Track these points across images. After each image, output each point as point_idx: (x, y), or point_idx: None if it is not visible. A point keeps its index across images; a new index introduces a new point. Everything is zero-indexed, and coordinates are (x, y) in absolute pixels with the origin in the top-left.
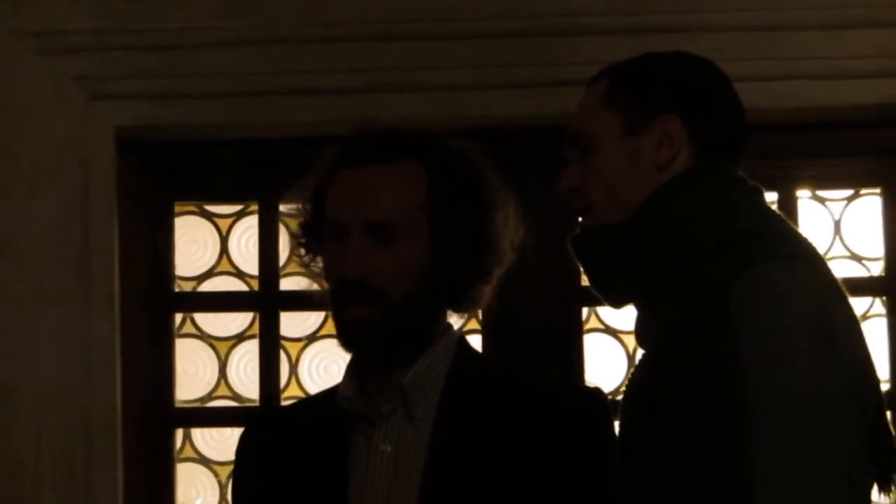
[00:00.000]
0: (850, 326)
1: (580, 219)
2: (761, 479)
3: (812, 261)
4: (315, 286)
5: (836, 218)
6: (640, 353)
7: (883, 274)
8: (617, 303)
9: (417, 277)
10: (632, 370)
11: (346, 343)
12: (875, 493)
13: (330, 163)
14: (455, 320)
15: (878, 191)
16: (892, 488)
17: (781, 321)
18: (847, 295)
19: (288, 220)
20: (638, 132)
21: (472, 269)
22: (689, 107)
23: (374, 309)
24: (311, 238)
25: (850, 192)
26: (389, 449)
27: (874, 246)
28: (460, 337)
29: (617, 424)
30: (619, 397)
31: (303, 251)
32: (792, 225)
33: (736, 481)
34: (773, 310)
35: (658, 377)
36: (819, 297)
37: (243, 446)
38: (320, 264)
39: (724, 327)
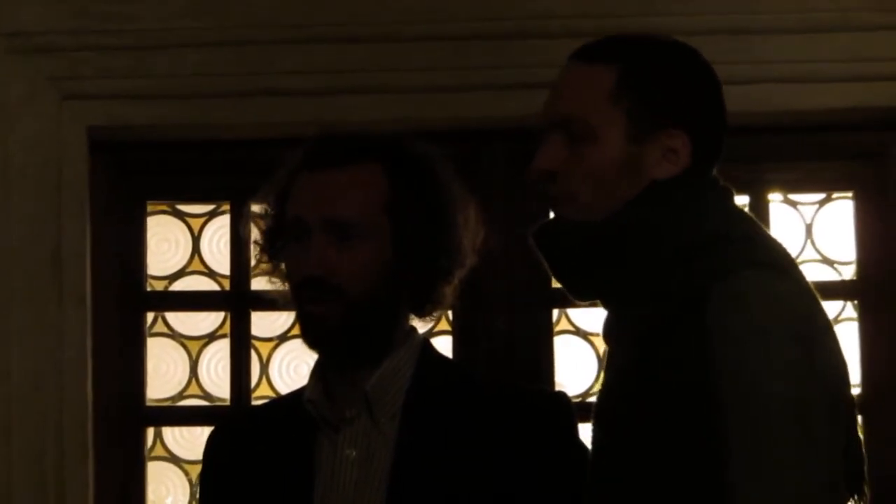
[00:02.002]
0: (825, 333)
1: (552, 206)
2: (737, 488)
3: (786, 267)
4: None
5: (808, 222)
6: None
7: (855, 278)
8: (582, 298)
9: (378, 276)
10: (602, 373)
11: (308, 341)
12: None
13: (291, 167)
14: (420, 325)
15: (849, 195)
16: (863, 497)
17: (757, 329)
18: (820, 301)
19: (254, 224)
20: (643, 140)
21: (433, 269)
22: (698, 124)
23: (334, 306)
24: (274, 242)
25: (821, 195)
26: (354, 453)
27: (846, 250)
28: (424, 340)
29: (589, 429)
30: (588, 399)
31: (266, 257)
32: (764, 228)
33: (712, 489)
34: (748, 318)
35: (633, 384)
36: (794, 304)
37: (211, 448)
38: (285, 270)
39: (699, 336)
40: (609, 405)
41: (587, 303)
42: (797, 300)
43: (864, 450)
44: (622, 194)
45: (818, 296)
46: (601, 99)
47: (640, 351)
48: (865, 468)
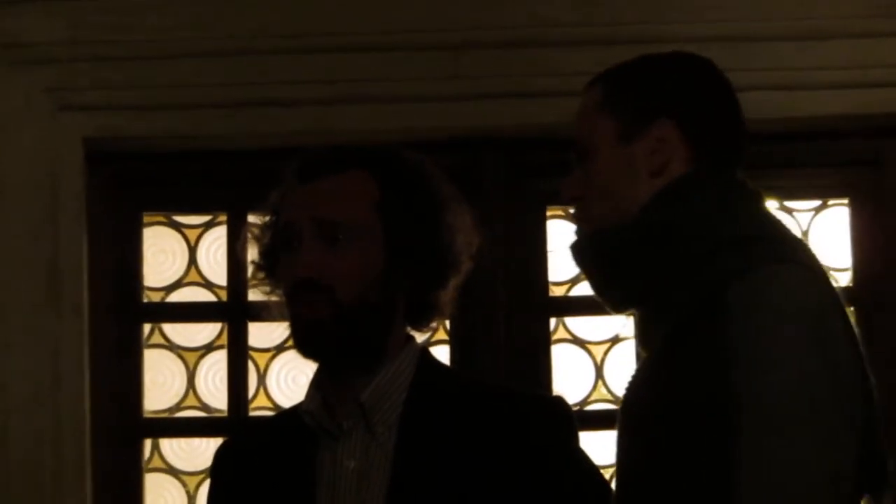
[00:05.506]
0: (846, 333)
1: (576, 227)
2: (745, 485)
3: (810, 265)
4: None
5: (804, 228)
6: (607, 363)
7: (851, 284)
8: (618, 307)
9: (370, 280)
10: (600, 381)
11: (299, 345)
12: None
13: (283, 185)
14: (418, 336)
15: (846, 201)
16: (879, 492)
17: (775, 326)
18: (843, 300)
19: (250, 243)
20: (633, 139)
21: (426, 273)
22: (684, 110)
23: (326, 308)
24: (268, 257)
25: (818, 202)
26: (353, 464)
27: (842, 256)
28: (423, 348)
29: (594, 434)
30: (587, 408)
31: (262, 274)
32: (790, 230)
33: (724, 488)
34: (768, 314)
35: (655, 382)
36: (815, 302)
37: (217, 463)
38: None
39: (720, 332)
40: (634, 407)
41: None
42: (817, 297)
43: (885, 448)
44: (634, 199)
45: (842, 296)
46: (592, 113)
47: (663, 351)
48: (889, 463)
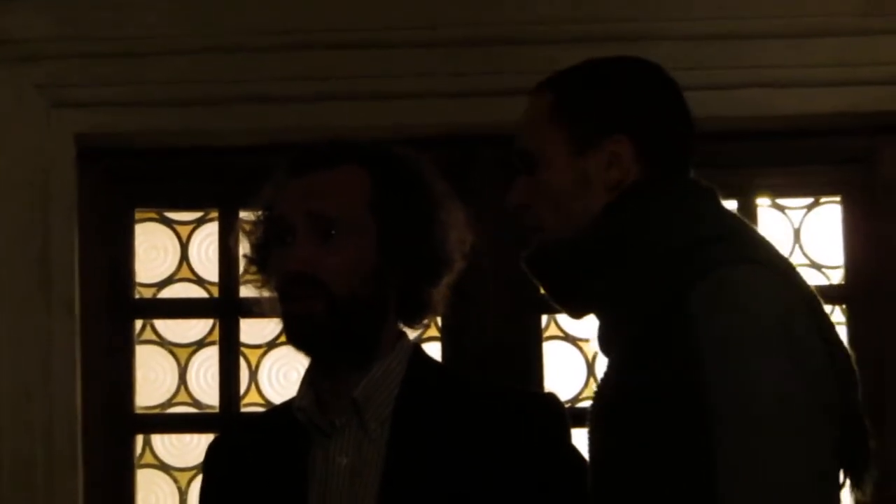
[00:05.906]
0: (813, 328)
1: (529, 237)
2: (727, 489)
3: (771, 263)
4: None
5: (796, 226)
6: (599, 360)
7: (843, 282)
8: (577, 314)
9: (363, 276)
10: (591, 378)
11: (291, 339)
12: (846, 492)
13: (277, 179)
14: (410, 333)
15: (837, 199)
16: (865, 485)
17: (741, 326)
18: (815, 294)
19: (243, 237)
20: (586, 152)
21: (419, 270)
22: (638, 125)
23: (318, 302)
24: (261, 251)
25: (809, 200)
26: (346, 461)
27: (834, 254)
28: (415, 345)
29: (586, 437)
30: (578, 405)
31: (255, 268)
32: (752, 227)
33: (704, 492)
34: (732, 315)
35: (624, 388)
36: (780, 301)
37: (209, 459)
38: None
39: (685, 333)
40: (603, 414)
41: (584, 317)
42: (782, 295)
43: (867, 432)
44: (586, 210)
45: (813, 291)
46: (541, 122)
47: (630, 357)
48: (869, 453)
